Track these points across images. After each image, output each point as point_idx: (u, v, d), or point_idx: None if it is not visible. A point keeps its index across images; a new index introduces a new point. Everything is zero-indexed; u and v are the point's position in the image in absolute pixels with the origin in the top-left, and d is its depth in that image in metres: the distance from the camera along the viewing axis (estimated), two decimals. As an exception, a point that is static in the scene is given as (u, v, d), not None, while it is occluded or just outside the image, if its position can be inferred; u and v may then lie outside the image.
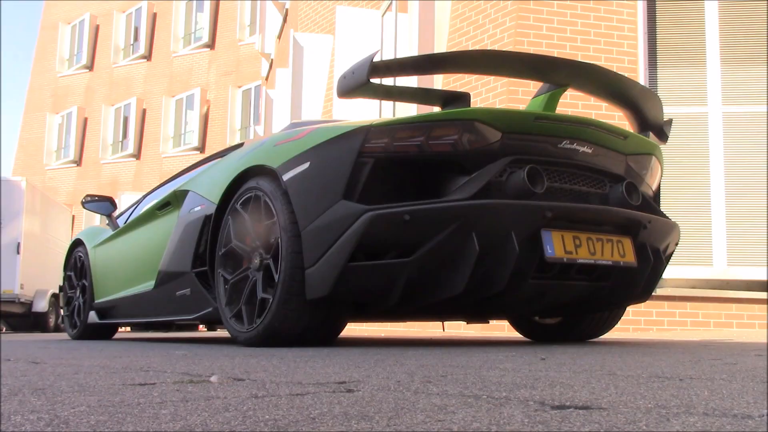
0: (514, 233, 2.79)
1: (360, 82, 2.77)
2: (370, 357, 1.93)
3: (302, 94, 11.17)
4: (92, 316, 4.88)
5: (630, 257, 3.10)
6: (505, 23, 7.64)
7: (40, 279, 12.81)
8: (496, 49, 2.93)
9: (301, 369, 1.33)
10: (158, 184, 5.02)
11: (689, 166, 7.85)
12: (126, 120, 25.78)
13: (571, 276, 3.09)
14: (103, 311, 4.84)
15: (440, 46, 8.78)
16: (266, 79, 16.50)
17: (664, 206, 6.83)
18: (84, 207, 4.92)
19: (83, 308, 5.05)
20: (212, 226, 3.45)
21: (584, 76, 3.26)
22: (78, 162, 26.67)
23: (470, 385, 1.03)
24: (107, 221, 5.02)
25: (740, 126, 7.80)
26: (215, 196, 3.44)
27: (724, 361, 1.68)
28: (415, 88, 3.16)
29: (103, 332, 5.01)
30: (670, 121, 3.61)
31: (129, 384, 1.07)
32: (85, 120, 26.66)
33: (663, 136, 3.60)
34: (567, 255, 2.89)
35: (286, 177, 2.94)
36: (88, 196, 4.90)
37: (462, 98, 2.90)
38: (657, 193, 3.68)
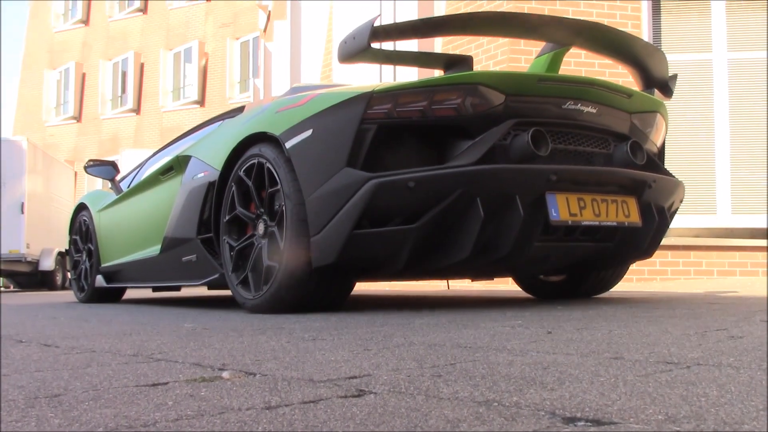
0: (519, 197, 2.79)
1: (361, 48, 2.73)
2: (377, 332, 1.95)
3: (301, 48, 11.04)
4: (99, 280, 4.91)
5: (635, 217, 3.10)
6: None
7: (45, 238, 12.87)
8: (496, 10, 2.88)
9: (311, 357, 1.34)
10: (160, 147, 5.00)
11: (693, 113, 7.78)
12: (124, 75, 25.56)
13: (575, 237, 3.09)
14: (110, 275, 4.88)
15: (440, 9, 8.63)
16: (264, 31, 16.29)
17: (668, 155, 6.80)
18: (86, 172, 4.92)
19: (90, 272, 5.09)
20: (216, 192, 3.45)
21: (587, 34, 3.21)
22: (78, 118, 26.53)
23: (480, 382, 1.04)
24: (110, 185, 5.01)
25: (745, 73, 7.71)
26: (218, 163, 3.43)
27: (730, 334, 1.69)
28: (417, 52, 3.11)
29: (111, 295, 5.06)
30: (675, 76, 3.57)
31: (143, 385, 1.08)
32: (83, 75, 26.43)
33: (668, 91, 3.57)
34: (572, 218, 2.89)
35: (289, 144, 2.93)
36: (90, 161, 4.90)
37: (464, 62, 2.86)
38: (662, 150, 3.65)
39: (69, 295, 5.76)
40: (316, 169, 2.85)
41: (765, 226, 7.59)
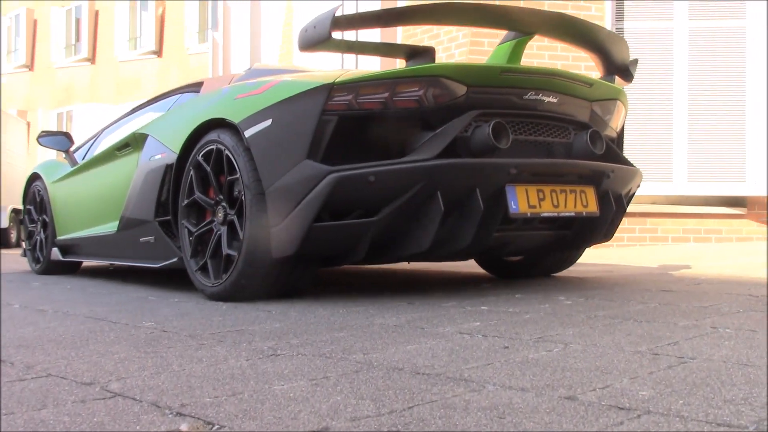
0: (479, 190, 2.81)
1: (322, 37, 2.69)
2: (337, 343, 1.96)
3: (261, 7, 10.80)
4: (55, 253, 4.84)
5: (593, 207, 3.15)
6: None
7: (-2, 195, 12.59)
8: (460, 0, 2.86)
9: (270, 393, 1.35)
10: (116, 118, 4.89)
11: (652, 82, 7.84)
12: (78, 22, 24.79)
13: (534, 226, 3.14)
14: (66, 248, 4.81)
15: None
16: (223, -19, 15.86)
17: (627, 123, 6.93)
18: (39, 143, 4.80)
19: (45, 244, 5.01)
20: (174, 175, 3.40)
21: (550, 23, 3.20)
22: (30, 66, 25.75)
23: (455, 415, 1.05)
24: (65, 156, 4.90)
25: (706, 42, 7.76)
26: (176, 146, 3.38)
27: (681, 352, 1.73)
28: (379, 42, 3.07)
29: (68, 266, 4.99)
30: (635, 61, 3.59)
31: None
32: (35, 22, 25.58)
33: (629, 75, 3.59)
34: (531, 209, 2.92)
35: (248, 133, 2.89)
36: (43, 131, 4.78)
37: (426, 53, 2.83)
38: (620, 135, 3.69)
39: (24, 262, 5.65)
40: (275, 160, 2.83)
41: (720, 194, 7.74)
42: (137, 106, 4.74)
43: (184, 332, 2.20)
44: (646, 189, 7.80)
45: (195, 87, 4.09)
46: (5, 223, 12.27)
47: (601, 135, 3.21)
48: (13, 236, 12.76)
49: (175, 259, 3.42)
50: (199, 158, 3.21)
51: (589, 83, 3.24)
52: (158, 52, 23.35)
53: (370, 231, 2.79)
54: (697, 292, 3.10)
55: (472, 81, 2.88)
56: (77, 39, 24.69)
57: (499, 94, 2.98)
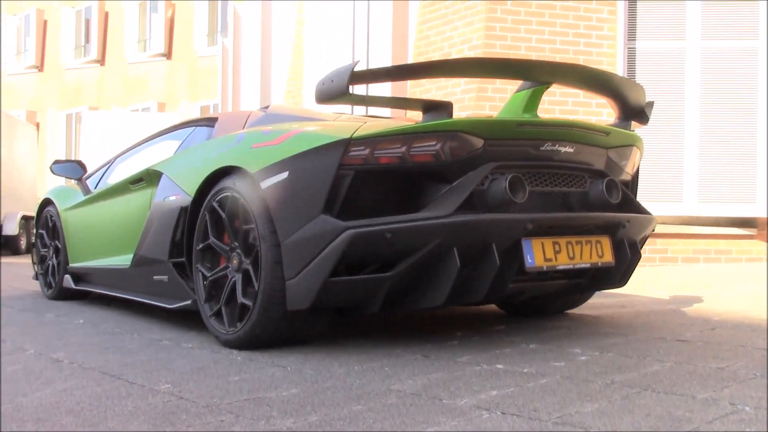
0: (495, 245, 2.80)
1: (340, 91, 2.69)
2: (360, 413, 1.96)
3: (272, 15, 10.80)
4: (68, 281, 4.86)
5: (608, 257, 3.14)
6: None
7: (8, 201, 12.63)
8: (475, 57, 2.85)
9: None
10: (128, 147, 4.91)
11: (665, 102, 7.81)
12: (87, 23, 24.85)
13: (549, 276, 3.13)
14: (78, 276, 4.82)
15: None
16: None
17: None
18: (52, 172, 4.82)
19: (57, 270, 5.02)
20: (188, 218, 3.41)
21: (565, 73, 3.20)
22: (39, 67, 25.84)
23: None
24: (77, 183, 4.93)
25: (718, 62, 7.73)
26: (191, 188, 3.39)
27: (741, 415, 1.73)
28: (396, 97, 3.07)
29: (79, 293, 5.01)
30: (651, 104, 3.58)
31: None
32: (45, 23, 25.65)
33: (644, 118, 3.58)
34: (546, 263, 2.91)
35: (264, 185, 2.89)
36: (56, 160, 4.81)
37: (443, 107, 2.82)
38: (636, 176, 3.68)
39: (31, 280, 5.66)
40: (292, 213, 2.83)
41: (730, 215, 7.71)
42: (151, 135, 4.75)
43: (202, 401, 2.20)
44: (656, 209, 7.78)
45: (209, 122, 4.09)
46: (15, 230, 12.31)
47: (617, 184, 3.20)
48: (23, 243, 12.80)
49: (188, 302, 3.43)
50: (214, 203, 3.22)
51: (605, 132, 3.23)
52: (167, 55, 23.39)
53: (385, 286, 2.80)
54: (713, 343, 3.09)
55: (489, 134, 2.87)
56: (87, 40, 24.76)
57: (515, 146, 2.97)
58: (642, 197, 7.58)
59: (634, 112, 3.56)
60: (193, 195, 3.37)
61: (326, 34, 9.40)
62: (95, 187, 4.86)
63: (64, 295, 5.04)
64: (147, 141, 4.78)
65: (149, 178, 3.96)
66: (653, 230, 3.60)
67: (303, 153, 2.82)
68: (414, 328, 3.65)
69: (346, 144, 2.73)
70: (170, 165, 3.75)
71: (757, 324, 3.64)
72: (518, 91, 3.21)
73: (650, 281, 5.93)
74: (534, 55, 7.40)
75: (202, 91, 22.19)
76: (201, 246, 3.31)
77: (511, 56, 7.38)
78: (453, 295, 2.84)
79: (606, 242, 3.16)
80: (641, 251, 3.46)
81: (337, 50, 9.33)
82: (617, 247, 3.22)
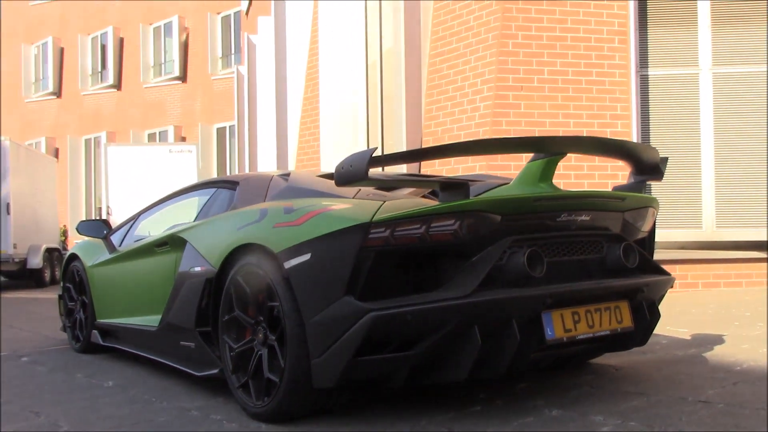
0: (515, 320, 2.86)
1: (358, 176, 2.76)
2: None
3: (286, 46, 10.92)
4: (95, 336, 4.97)
5: (627, 322, 3.18)
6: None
7: (32, 236, 12.83)
8: (480, 141, 2.91)
9: None
10: (151, 204, 5.01)
11: (680, 128, 7.83)
12: (104, 49, 25.18)
13: (568, 345, 3.18)
14: (105, 332, 4.92)
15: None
16: (246, 13, 16.06)
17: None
18: (78, 232, 4.94)
19: (85, 324, 5.12)
20: (214, 289, 3.49)
21: (580, 144, 3.25)
22: (58, 94, 26.18)
23: None
24: (102, 242, 5.04)
25: (730, 87, 7.74)
26: (215, 261, 3.47)
27: None
28: (413, 176, 3.14)
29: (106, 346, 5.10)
30: (665, 159, 3.62)
31: None
32: (62, 50, 26.01)
33: (659, 174, 3.61)
34: (566, 334, 2.96)
35: (287, 265, 2.96)
36: (81, 221, 4.93)
37: (460, 186, 2.88)
38: (652, 233, 3.72)
39: (62, 333, 5.76)
40: (315, 294, 2.90)
41: (749, 238, 7.71)
42: (174, 193, 4.85)
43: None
44: (675, 236, 7.80)
45: (231, 185, 4.17)
46: (39, 264, 12.49)
47: (633, 248, 3.25)
48: (47, 276, 12.98)
49: (215, 371, 3.51)
50: (239, 278, 3.29)
51: (621, 198, 3.28)
52: (183, 78, 23.62)
53: (408, 364, 2.86)
54: (734, 405, 3.12)
55: (506, 211, 2.93)
56: (103, 66, 25.06)
57: (532, 219, 3.03)
58: (661, 224, 7.60)
59: (648, 169, 3.60)
60: (217, 268, 3.45)
61: (339, 65, 9.50)
62: (120, 244, 4.96)
63: (91, 348, 5.13)
64: (169, 199, 4.88)
65: (173, 242, 4.05)
66: (671, 287, 3.64)
67: (324, 236, 2.89)
68: (438, 387, 3.70)
69: (367, 227, 2.80)
70: (194, 234, 3.83)
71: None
72: (533, 160, 3.26)
73: (671, 314, 5.92)
74: (547, 87, 7.45)
75: (218, 113, 22.40)
76: (226, 318, 3.39)
77: (524, 88, 7.43)
78: (474, 370, 2.90)
79: (625, 307, 3.21)
80: (659, 311, 3.50)
81: (350, 79, 9.42)
82: (636, 311, 3.27)
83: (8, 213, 11.89)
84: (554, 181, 3.40)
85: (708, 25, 7.70)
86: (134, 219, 5.13)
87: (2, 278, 14.04)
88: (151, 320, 4.24)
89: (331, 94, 9.67)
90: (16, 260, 12.12)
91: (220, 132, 22.47)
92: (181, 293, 3.75)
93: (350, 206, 2.98)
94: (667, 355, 4.33)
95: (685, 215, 7.81)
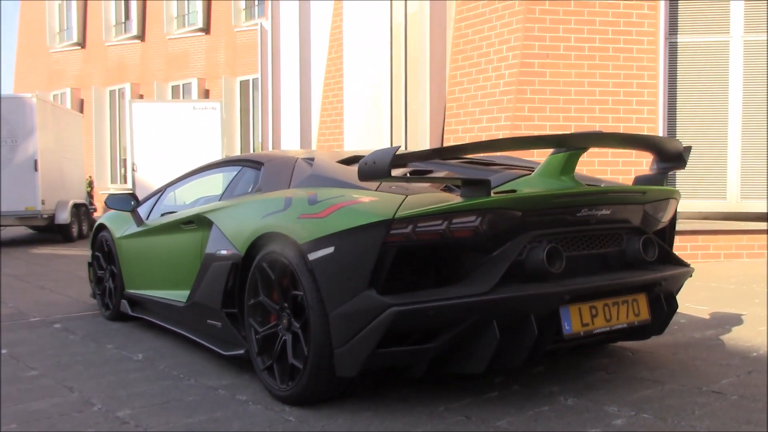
0: (533, 315, 2.92)
1: (381, 173, 2.80)
2: None
3: (310, 6, 10.83)
4: (124, 306, 5.11)
5: (644, 314, 3.24)
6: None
7: (59, 191, 13.03)
8: (502, 140, 2.93)
9: None
10: (177, 178, 5.10)
11: (707, 97, 7.73)
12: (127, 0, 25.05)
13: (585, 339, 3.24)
14: (134, 302, 5.05)
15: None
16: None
17: (682, 138, 6.93)
18: (107, 205, 5.05)
19: (114, 294, 5.27)
20: (240, 272, 3.58)
21: (603, 139, 3.26)
22: (82, 44, 26.19)
23: None
24: (130, 214, 5.15)
25: (761, 55, 7.60)
26: (240, 245, 3.55)
27: None
28: (434, 176, 3.17)
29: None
30: (689, 148, 3.62)
31: None
32: (85, 0, 25.92)
33: (682, 162, 3.61)
34: (584, 328, 3.03)
35: (311, 257, 3.04)
36: (110, 195, 5.04)
37: (482, 184, 2.92)
38: (673, 220, 3.73)
39: (83, 249, 5.90)
40: (338, 286, 2.97)
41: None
42: (200, 168, 4.93)
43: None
44: (699, 206, 7.77)
45: (256, 165, 4.23)
46: (66, 219, 12.71)
47: (653, 241, 3.28)
48: (75, 231, 13.23)
49: (241, 351, 3.62)
50: (264, 264, 3.38)
51: (642, 192, 3.30)
52: (206, 30, 23.50)
53: (428, 355, 2.94)
54: (747, 398, 3.18)
55: (526, 208, 2.97)
56: (127, 17, 24.98)
57: (552, 214, 3.07)
58: (685, 194, 7.55)
59: (672, 157, 3.60)
60: (243, 252, 3.54)
61: (364, 26, 9.43)
62: (147, 217, 5.06)
63: (121, 316, 5.29)
64: (196, 174, 4.95)
65: (200, 222, 4.14)
66: (690, 276, 3.67)
67: (348, 231, 2.95)
68: (454, 381, 3.78)
69: (389, 224, 2.85)
70: (221, 216, 3.91)
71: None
72: (555, 152, 3.28)
73: (692, 289, 5.94)
74: (573, 55, 7.37)
75: (242, 66, 22.32)
76: (252, 302, 3.48)
77: (549, 56, 7.36)
78: (493, 362, 2.98)
79: (642, 300, 3.25)
80: (677, 302, 3.54)
81: (374, 42, 9.36)
82: (654, 303, 3.31)
83: (36, 170, 12.07)
84: (578, 167, 3.41)
85: (740, -9, 7.53)
86: (161, 192, 5.22)
87: (30, 231, 14.33)
88: (178, 295, 4.36)
89: (355, 55, 9.62)
90: (45, 216, 12.34)
91: (244, 85, 22.42)
92: (208, 274, 3.85)
93: (373, 200, 3.03)
94: (683, 338, 4.38)
95: (709, 185, 7.76)
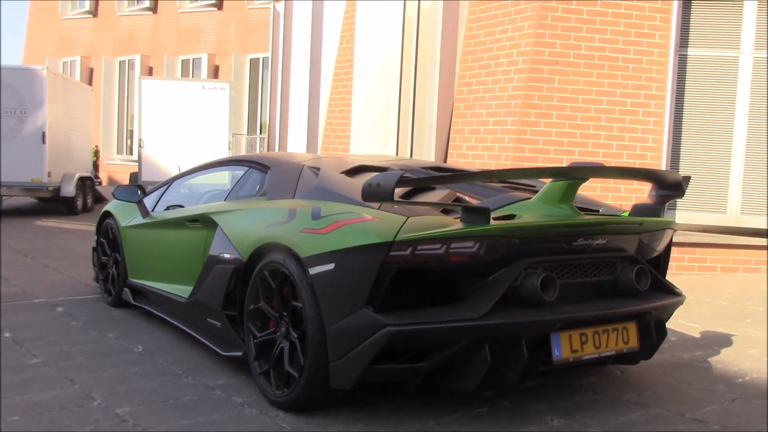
0: (525, 340, 3.00)
1: (385, 196, 2.87)
2: None
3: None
4: (127, 294, 5.21)
5: (633, 342, 3.32)
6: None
7: (65, 164, 13.10)
8: (506, 170, 3.01)
9: None
10: (184, 172, 5.17)
11: (714, 111, 7.76)
12: (140, -31, 24.97)
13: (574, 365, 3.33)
14: (136, 291, 5.15)
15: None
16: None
17: (686, 151, 7.03)
18: (114, 196, 5.14)
19: (117, 281, 5.36)
20: (242, 276, 3.67)
21: (601, 172, 3.33)
22: (94, 13, 26.16)
23: None
24: (137, 205, 5.24)
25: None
26: (244, 251, 3.63)
27: None
28: (434, 202, 3.24)
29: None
30: (688, 178, 3.69)
31: None
32: (99, -32, 25.86)
33: (680, 191, 3.67)
34: (573, 354, 3.11)
35: (312, 271, 3.12)
36: (117, 187, 5.13)
37: (481, 211, 2.99)
38: (668, 248, 3.81)
39: (89, 224, 6.01)
40: (336, 302, 3.06)
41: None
42: (207, 165, 5.00)
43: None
44: (699, 219, 7.83)
45: (262, 167, 4.29)
46: (72, 192, 12.80)
47: (646, 271, 3.36)
48: (79, 204, 13.32)
49: (239, 353, 3.72)
50: (266, 273, 3.46)
51: (639, 223, 3.38)
52: (219, 5, 23.45)
53: (420, 374, 3.04)
54: (729, 427, 3.27)
55: (524, 236, 3.05)
56: (140, -13, 24.90)
57: (549, 243, 3.14)
58: (685, 206, 7.61)
59: (670, 186, 3.67)
60: (245, 258, 3.63)
61: (376, 21, 9.45)
62: (152, 209, 5.14)
63: (123, 303, 5.38)
64: (203, 169, 5.03)
65: (205, 221, 4.22)
66: (681, 304, 3.75)
67: (349, 249, 3.03)
68: (445, 400, 3.87)
69: (390, 245, 2.93)
70: (226, 219, 3.99)
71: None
72: (555, 180, 3.35)
73: (686, 303, 5.99)
74: (582, 63, 7.41)
75: (252, 44, 22.30)
76: (252, 307, 3.57)
77: (559, 62, 7.39)
78: (483, 383, 3.07)
79: (632, 328, 3.34)
80: (666, 329, 3.62)
81: (386, 36, 9.38)
82: (643, 331, 3.40)
83: (44, 142, 12.14)
84: (580, 190, 3.48)
85: (754, 7, 7.55)
86: (168, 184, 5.30)
87: (34, 201, 14.43)
88: (180, 290, 4.45)
89: (366, 48, 9.65)
90: (50, 188, 12.43)
91: (254, 63, 22.41)
92: (211, 275, 3.94)
93: (375, 221, 3.11)
94: (673, 358, 4.47)
95: (710, 199, 7.82)
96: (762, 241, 7.74)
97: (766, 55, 7.58)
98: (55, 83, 12.70)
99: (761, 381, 4.05)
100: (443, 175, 2.99)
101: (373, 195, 2.92)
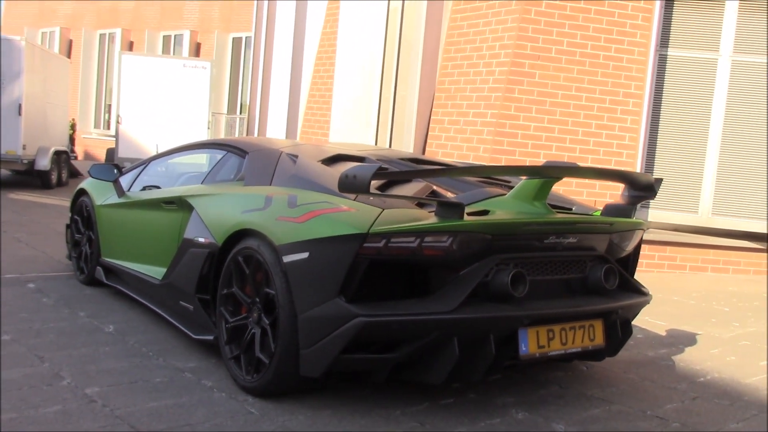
0: (493, 335, 3.06)
1: (361, 188, 2.90)
2: None
3: None
4: (99, 273, 5.19)
5: (599, 340, 3.39)
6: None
7: (41, 137, 12.95)
8: (483, 167, 3.03)
9: None
10: (162, 153, 5.16)
11: (690, 111, 7.85)
12: (124, -58, 24.61)
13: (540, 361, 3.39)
14: (109, 270, 5.14)
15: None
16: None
17: (661, 150, 7.08)
18: (90, 175, 5.11)
19: (90, 259, 5.34)
20: (216, 261, 3.68)
21: (576, 172, 3.38)
22: (75, -17, 25.74)
23: None
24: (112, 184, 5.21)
25: (747, 76, 7.73)
26: (218, 236, 3.64)
27: None
28: (411, 196, 3.27)
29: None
30: (660, 180, 3.75)
31: None
32: (81, -61, 25.44)
33: (652, 192, 3.74)
34: (540, 350, 3.17)
35: (286, 259, 3.14)
36: (93, 165, 5.10)
37: (456, 207, 3.03)
38: (638, 247, 3.88)
39: (63, 199, 5.97)
40: (309, 291, 3.09)
41: (743, 228, 7.85)
42: (185, 146, 4.99)
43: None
44: (671, 218, 7.94)
45: (240, 152, 4.30)
46: (47, 166, 12.67)
47: (615, 271, 3.42)
48: (54, 178, 13.18)
49: (211, 337, 3.74)
50: (240, 258, 3.48)
51: (609, 223, 3.43)
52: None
53: (389, 364, 3.08)
54: (689, 425, 3.35)
55: (496, 233, 3.09)
56: (123, -40, 24.56)
57: (521, 239, 3.19)
58: (658, 205, 7.72)
59: (642, 187, 3.73)
60: (220, 243, 3.64)
61: (361, 6, 9.43)
62: (128, 189, 5.13)
63: (95, 281, 5.37)
64: (180, 151, 5.02)
65: (181, 204, 4.22)
66: (647, 303, 3.82)
67: (323, 239, 3.06)
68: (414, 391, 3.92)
69: (364, 237, 2.96)
70: (202, 203, 3.99)
71: (736, 394, 3.89)
72: (529, 178, 3.39)
73: (654, 301, 6.10)
74: (564, 59, 7.45)
75: (235, 23, 22.12)
76: (225, 292, 3.59)
77: (541, 57, 7.44)
78: (451, 376, 3.12)
79: (599, 326, 3.41)
80: (632, 328, 3.70)
81: (370, 22, 9.37)
82: (610, 329, 3.46)
83: (20, 114, 11.99)
84: (555, 186, 3.53)
85: (735, 10, 7.63)
86: (144, 164, 5.28)
87: (8, 173, 14.26)
88: (154, 271, 4.45)
89: (350, 33, 9.63)
90: (25, 161, 12.29)
91: (236, 42, 22.23)
92: (185, 258, 3.95)
93: (350, 212, 3.13)
94: (638, 355, 4.55)
95: (683, 199, 7.93)
96: (731, 243, 7.88)
97: (743, 59, 7.68)
98: (33, 54, 12.53)
99: (721, 380, 4.15)
100: (419, 170, 3.02)
101: (350, 187, 2.94)
